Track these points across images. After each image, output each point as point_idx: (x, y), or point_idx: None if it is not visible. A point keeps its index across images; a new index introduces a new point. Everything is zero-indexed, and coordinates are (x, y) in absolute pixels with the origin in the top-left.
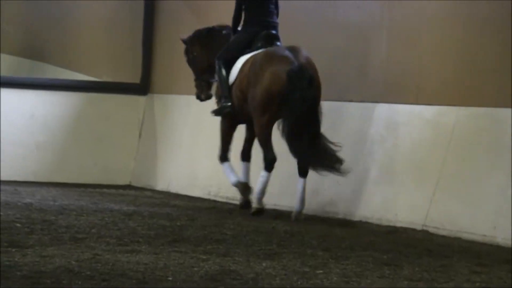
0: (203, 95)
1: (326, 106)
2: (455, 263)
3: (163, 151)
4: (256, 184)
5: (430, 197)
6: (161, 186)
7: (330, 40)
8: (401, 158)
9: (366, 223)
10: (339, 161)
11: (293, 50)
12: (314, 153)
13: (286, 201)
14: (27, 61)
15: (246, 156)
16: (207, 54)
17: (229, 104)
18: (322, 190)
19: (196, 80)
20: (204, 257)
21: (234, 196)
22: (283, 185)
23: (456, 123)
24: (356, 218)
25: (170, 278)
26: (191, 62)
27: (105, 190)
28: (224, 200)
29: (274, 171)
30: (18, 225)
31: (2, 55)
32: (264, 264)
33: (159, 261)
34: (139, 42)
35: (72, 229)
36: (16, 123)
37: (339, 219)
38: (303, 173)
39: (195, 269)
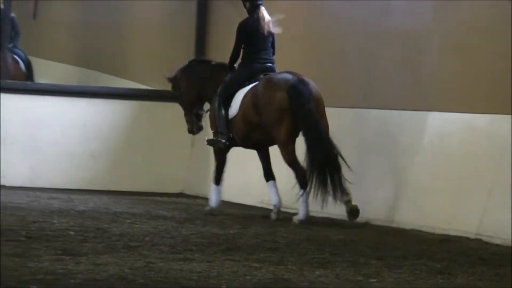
0: (195, 129)
1: (378, 115)
2: (510, 272)
3: None
4: (299, 206)
5: (484, 206)
6: None
7: (383, 49)
8: (454, 166)
9: (419, 231)
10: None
11: (291, 72)
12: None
13: (339, 210)
14: (80, 70)
15: (268, 175)
16: (196, 86)
17: (224, 141)
18: (375, 199)
19: (186, 115)
20: (258, 265)
21: (287, 204)
22: None
23: (510, 131)
24: (409, 226)
25: (223, 287)
26: (179, 98)
27: (158, 198)
28: None
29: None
30: (71, 233)
31: (55, 64)
32: (317, 273)
33: (212, 269)
34: (191, 50)
35: (125, 237)
36: (69, 132)
37: (392, 228)
38: None
39: (248, 277)
